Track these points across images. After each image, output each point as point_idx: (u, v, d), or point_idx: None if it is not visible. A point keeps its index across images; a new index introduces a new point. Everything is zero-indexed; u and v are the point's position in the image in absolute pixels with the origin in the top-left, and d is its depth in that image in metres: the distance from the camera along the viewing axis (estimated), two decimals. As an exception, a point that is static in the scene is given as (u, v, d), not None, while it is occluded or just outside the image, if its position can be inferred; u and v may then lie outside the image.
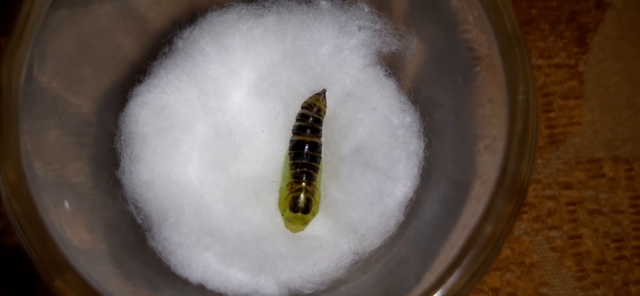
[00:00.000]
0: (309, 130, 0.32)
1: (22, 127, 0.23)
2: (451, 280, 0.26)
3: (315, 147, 0.32)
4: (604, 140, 0.44)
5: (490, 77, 0.24)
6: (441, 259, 0.27)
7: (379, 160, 0.31)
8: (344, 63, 0.32)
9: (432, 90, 0.31)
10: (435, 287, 0.26)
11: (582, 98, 0.44)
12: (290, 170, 0.31)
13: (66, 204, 0.25)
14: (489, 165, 0.26)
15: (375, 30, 0.31)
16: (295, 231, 0.32)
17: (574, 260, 0.43)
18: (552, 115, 0.44)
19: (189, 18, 0.32)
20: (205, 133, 0.32)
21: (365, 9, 0.31)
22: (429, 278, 0.26)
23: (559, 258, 0.43)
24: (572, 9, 0.45)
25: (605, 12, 0.45)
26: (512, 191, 0.25)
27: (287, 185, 0.31)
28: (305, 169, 0.31)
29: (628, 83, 0.45)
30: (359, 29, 0.31)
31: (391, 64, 0.32)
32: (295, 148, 0.32)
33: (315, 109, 0.32)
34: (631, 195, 0.44)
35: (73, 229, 0.26)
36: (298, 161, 0.31)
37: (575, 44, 0.45)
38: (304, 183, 0.31)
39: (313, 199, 0.31)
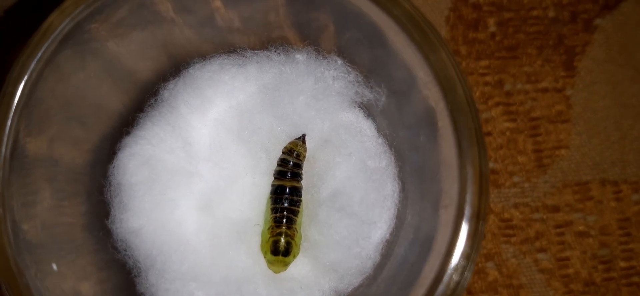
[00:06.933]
0: (289, 174, 0.33)
1: (8, 204, 0.25)
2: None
3: (295, 191, 0.33)
4: (592, 163, 0.44)
5: (443, 133, 0.26)
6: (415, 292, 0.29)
7: (354, 205, 0.32)
8: (321, 111, 0.33)
9: (403, 136, 0.32)
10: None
11: (569, 122, 0.44)
12: (271, 214, 0.33)
13: (54, 266, 0.27)
14: (450, 207, 0.28)
15: (348, 81, 0.32)
16: (277, 272, 0.33)
17: (561, 281, 0.43)
18: (539, 139, 0.44)
19: (173, 70, 0.33)
20: (191, 181, 0.33)
21: (338, 62, 0.32)
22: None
23: (547, 279, 0.43)
24: (559, 33, 0.44)
25: (593, 35, 0.44)
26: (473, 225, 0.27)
27: (268, 229, 0.33)
28: (285, 213, 0.32)
29: (616, 106, 0.44)
30: (334, 79, 0.32)
31: (368, 110, 0.34)
32: (276, 193, 0.33)
33: (295, 154, 0.33)
34: (619, 217, 0.44)
35: (66, 283, 0.28)
36: (278, 205, 0.33)
37: (562, 68, 0.44)
38: (284, 227, 0.32)
39: (293, 242, 0.33)
